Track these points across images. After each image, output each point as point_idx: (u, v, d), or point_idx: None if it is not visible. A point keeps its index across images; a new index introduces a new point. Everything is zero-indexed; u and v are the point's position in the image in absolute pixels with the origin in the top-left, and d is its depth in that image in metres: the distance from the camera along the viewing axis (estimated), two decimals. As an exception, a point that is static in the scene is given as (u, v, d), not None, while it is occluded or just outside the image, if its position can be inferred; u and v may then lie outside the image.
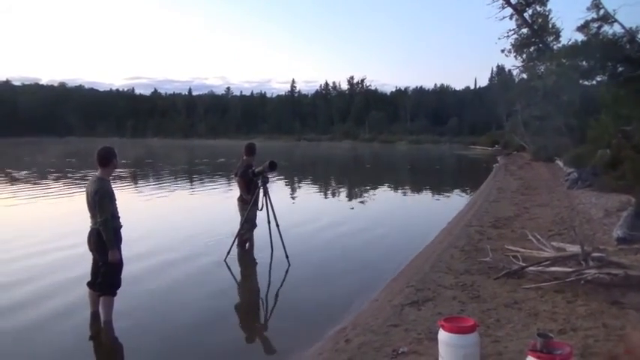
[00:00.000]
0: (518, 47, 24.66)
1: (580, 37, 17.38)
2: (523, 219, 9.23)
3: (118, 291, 4.78)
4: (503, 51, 25.35)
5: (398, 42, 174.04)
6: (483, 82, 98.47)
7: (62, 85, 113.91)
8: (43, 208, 12.89)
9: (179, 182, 20.57)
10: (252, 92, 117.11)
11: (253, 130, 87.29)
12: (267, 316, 5.55)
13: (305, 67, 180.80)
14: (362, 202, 15.61)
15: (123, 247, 4.76)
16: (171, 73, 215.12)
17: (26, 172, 23.49)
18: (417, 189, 19.26)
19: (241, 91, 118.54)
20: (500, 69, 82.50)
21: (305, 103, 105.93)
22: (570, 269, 5.18)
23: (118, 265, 4.68)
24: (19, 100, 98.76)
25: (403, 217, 12.09)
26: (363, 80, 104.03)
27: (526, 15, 23.43)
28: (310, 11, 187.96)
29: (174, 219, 11.16)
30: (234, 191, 7.90)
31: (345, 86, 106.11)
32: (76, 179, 19.68)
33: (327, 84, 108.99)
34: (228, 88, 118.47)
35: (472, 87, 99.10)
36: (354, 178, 25.24)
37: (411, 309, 4.56)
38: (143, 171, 26.02)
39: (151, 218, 11.25)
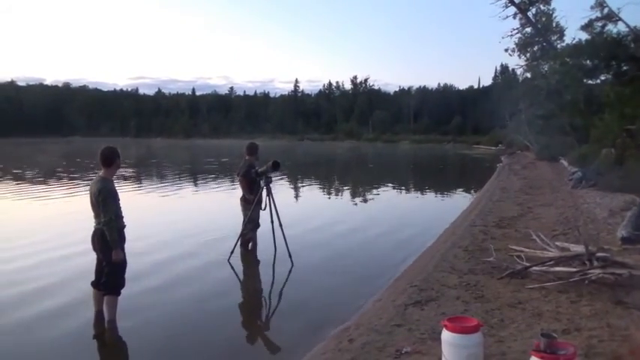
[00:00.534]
0: (522, 46, 24.56)
1: (584, 35, 17.32)
2: (527, 219, 9.20)
3: (122, 290, 4.79)
4: (506, 50, 25.28)
5: (401, 41, 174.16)
6: (487, 81, 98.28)
7: (66, 86, 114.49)
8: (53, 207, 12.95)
9: (182, 181, 20.61)
10: (255, 92, 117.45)
11: (256, 130, 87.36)
12: (270, 315, 5.56)
13: (308, 67, 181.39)
14: (365, 201, 15.62)
15: (127, 246, 4.78)
16: (175, 73, 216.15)
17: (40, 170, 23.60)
18: (421, 189, 19.24)
19: (244, 91, 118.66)
20: (504, 68, 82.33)
21: (308, 102, 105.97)
22: (574, 269, 5.17)
23: (122, 264, 4.69)
24: (23, 100, 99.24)
25: (406, 216, 12.07)
26: (366, 80, 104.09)
27: (530, 14, 23.35)
28: (313, 11, 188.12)
29: (178, 218, 11.17)
30: (238, 191, 7.90)
31: (348, 86, 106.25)
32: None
33: (330, 84, 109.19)
34: (231, 88, 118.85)
35: (476, 86, 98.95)
36: (357, 177, 25.24)
37: (415, 309, 4.55)
38: (147, 170, 26.09)
39: (154, 218, 11.27)
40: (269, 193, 7.12)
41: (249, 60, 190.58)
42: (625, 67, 14.62)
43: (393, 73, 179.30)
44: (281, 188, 16.44)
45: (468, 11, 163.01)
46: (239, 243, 7.34)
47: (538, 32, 23.42)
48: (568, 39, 22.18)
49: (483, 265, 5.87)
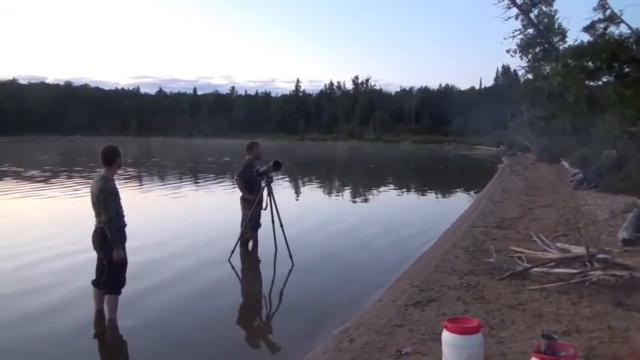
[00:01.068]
0: (524, 47, 24.50)
1: (586, 37, 17.27)
2: (528, 220, 9.19)
3: (123, 289, 4.80)
4: (508, 51, 25.18)
5: (403, 42, 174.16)
6: (488, 82, 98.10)
7: (68, 84, 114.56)
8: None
9: (183, 180, 20.62)
10: (256, 92, 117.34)
11: (258, 130, 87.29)
12: (270, 315, 5.56)
13: (310, 67, 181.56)
14: (365, 201, 15.63)
15: (128, 245, 4.78)
16: (176, 72, 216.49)
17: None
18: (422, 189, 19.22)
19: (246, 91, 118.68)
20: (506, 69, 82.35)
21: (309, 102, 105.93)
22: (575, 270, 5.17)
23: (123, 263, 4.70)
24: (25, 98, 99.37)
25: (407, 217, 12.07)
26: (367, 80, 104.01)
27: (532, 15, 23.29)
28: (315, 11, 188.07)
29: (178, 217, 11.19)
30: (238, 190, 7.90)
31: (349, 86, 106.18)
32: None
33: (331, 84, 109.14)
34: (232, 88, 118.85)
35: (477, 87, 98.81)
36: (358, 177, 25.24)
37: (415, 309, 4.55)
38: (148, 170, 26.10)
39: (154, 217, 11.28)
40: (270, 193, 7.12)
41: (251, 60, 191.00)
42: (627, 69, 14.59)
43: (394, 73, 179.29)
44: (281, 188, 16.44)
45: (470, 12, 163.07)
46: (239, 243, 7.34)
47: (540, 33, 23.37)
48: (570, 40, 22.14)
49: (484, 266, 5.87)
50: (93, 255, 4.91)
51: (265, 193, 7.14)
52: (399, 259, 7.32)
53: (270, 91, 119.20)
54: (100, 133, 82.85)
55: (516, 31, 24.13)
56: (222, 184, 18.41)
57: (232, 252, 7.12)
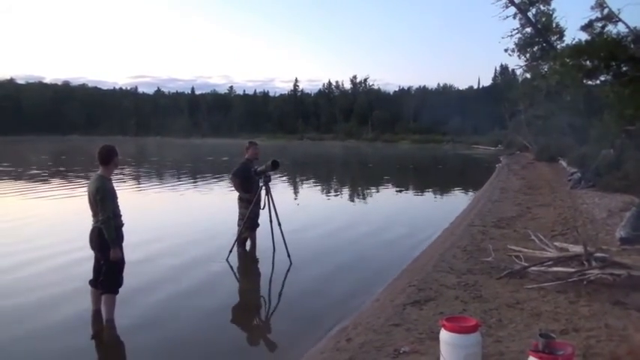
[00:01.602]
0: (522, 46, 24.52)
1: (584, 36, 17.29)
2: (526, 219, 9.21)
3: (120, 289, 4.78)
4: (506, 50, 25.19)
5: (401, 41, 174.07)
6: (487, 81, 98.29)
7: (66, 84, 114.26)
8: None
9: (182, 180, 20.60)
10: (255, 91, 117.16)
11: (256, 129, 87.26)
12: (268, 314, 5.55)
13: (308, 67, 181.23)
14: (364, 201, 15.63)
15: (125, 245, 4.77)
16: (174, 71, 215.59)
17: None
18: (420, 188, 19.24)
19: (244, 90, 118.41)
20: (504, 68, 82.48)
21: (308, 102, 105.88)
22: (573, 269, 5.17)
23: (120, 263, 4.69)
24: (22, 98, 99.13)
25: (405, 216, 12.06)
26: (366, 79, 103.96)
27: (530, 14, 23.30)
28: (313, 10, 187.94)
29: (175, 217, 11.18)
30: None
31: (348, 85, 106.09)
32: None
33: (330, 83, 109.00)
34: (231, 87, 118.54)
35: (475, 86, 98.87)
36: (356, 177, 25.24)
37: (413, 308, 4.55)
38: (147, 169, 26.06)
39: (152, 217, 11.27)
40: (268, 193, 7.12)
41: (249, 59, 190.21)
42: (625, 68, 14.61)
43: (392, 72, 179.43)
44: (280, 187, 16.44)
45: (468, 11, 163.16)
46: (236, 243, 7.33)
47: (538, 32, 23.39)
48: (568, 39, 22.15)
49: (482, 265, 5.87)
50: (87, 254, 4.89)
51: (263, 192, 7.14)
52: (398, 258, 7.33)
53: (268, 91, 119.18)
54: (98, 132, 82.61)
55: (514, 30, 24.16)
56: (221, 183, 18.39)
57: (230, 252, 7.11)
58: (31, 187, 16.81)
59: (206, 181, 20.57)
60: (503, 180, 18.03)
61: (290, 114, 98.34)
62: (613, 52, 14.10)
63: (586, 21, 16.77)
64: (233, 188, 7.80)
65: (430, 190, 18.44)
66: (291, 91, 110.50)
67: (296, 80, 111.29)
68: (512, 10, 22.97)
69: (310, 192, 17.62)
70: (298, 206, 13.49)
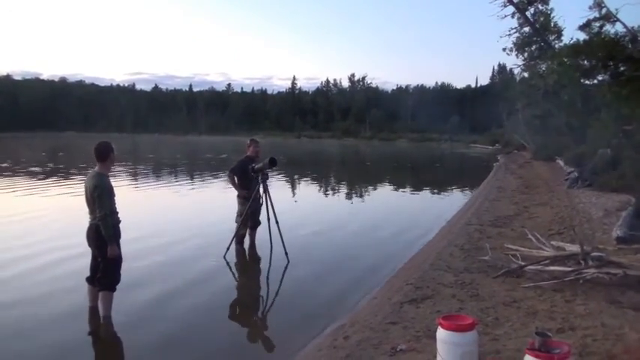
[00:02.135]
0: (520, 46, 24.56)
1: (582, 35, 17.33)
2: (523, 218, 9.23)
3: (117, 286, 4.78)
4: (504, 49, 25.25)
5: (399, 40, 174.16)
6: (485, 80, 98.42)
7: (63, 80, 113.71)
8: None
9: (180, 177, 20.56)
10: (252, 89, 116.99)
11: (254, 127, 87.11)
12: (265, 312, 5.56)
13: (306, 65, 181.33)
14: (361, 199, 15.64)
15: (123, 242, 4.76)
16: (172, 68, 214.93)
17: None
18: (418, 187, 19.25)
19: (242, 88, 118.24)
20: (502, 67, 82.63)
21: (306, 100, 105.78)
22: (569, 268, 5.19)
23: (117, 260, 4.68)
24: (19, 94, 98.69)
25: (403, 215, 12.08)
26: (364, 78, 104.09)
27: (528, 13, 23.33)
28: (312, 8, 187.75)
29: (173, 214, 11.17)
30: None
31: (346, 84, 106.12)
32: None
33: (328, 81, 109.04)
34: (229, 85, 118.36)
35: (473, 85, 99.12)
36: (354, 175, 25.24)
37: (410, 307, 4.56)
38: (144, 166, 26.00)
39: (149, 214, 11.25)
40: (265, 190, 7.12)
41: (248, 57, 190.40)
42: (622, 68, 14.64)
43: (390, 71, 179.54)
44: (276, 185, 16.43)
45: (467, 10, 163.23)
46: (234, 240, 7.32)
47: (536, 32, 23.43)
48: (566, 39, 22.20)
49: (479, 264, 5.89)
50: (82, 251, 4.89)
51: (261, 190, 7.14)
52: (395, 255, 7.35)
53: (266, 89, 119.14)
54: (95, 129, 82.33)
55: (512, 29, 24.22)
56: (219, 180, 18.36)
57: (227, 249, 7.10)
58: (32, 184, 16.76)
59: (205, 178, 20.55)
60: (500, 179, 18.07)
61: (288, 112, 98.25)
62: (611, 51, 14.13)
63: (584, 21, 16.81)
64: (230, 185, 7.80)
65: (427, 188, 18.44)
66: (289, 89, 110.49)
67: (294, 78, 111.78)
68: (511, 9, 23.02)
69: (307, 190, 17.61)
70: (296, 203, 13.47)
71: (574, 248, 5.69)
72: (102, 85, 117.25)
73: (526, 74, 27.63)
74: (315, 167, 29.46)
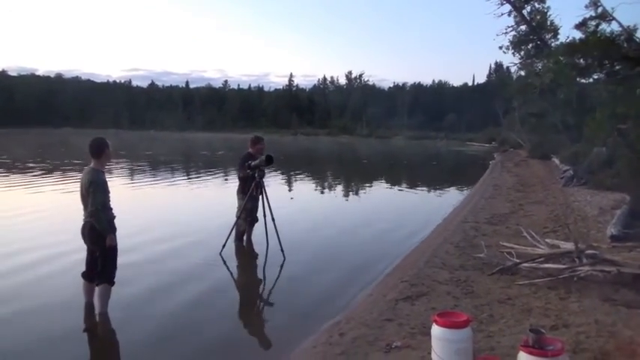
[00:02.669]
0: (517, 44, 24.62)
1: (578, 34, 17.37)
2: (518, 216, 9.27)
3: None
4: (501, 48, 25.29)
5: (396, 37, 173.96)
6: (481, 78, 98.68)
7: (59, 76, 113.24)
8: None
9: (176, 174, 20.52)
10: (249, 86, 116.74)
11: (250, 124, 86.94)
12: (261, 309, 5.57)
13: (303, 62, 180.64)
14: (357, 196, 15.65)
15: (120, 238, 4.77)
16: (169, 65, 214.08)
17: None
18: (413, 185, 19.28)
19: (239, 85, 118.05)
20: (499, 66, 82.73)
21: (302, 97, 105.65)
22: (564, 266, 5.22)
23: (114, 251, 4.69)
24: (15, 90, 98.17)
25: (399, 212, 12.11)
26: (361, 75, 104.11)
27: (525, 12, 23.38)
28: (310, 6, 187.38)
29: (170, 211, 11.14)
30: (232, 183, 7.87)
31: (342, 81, 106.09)
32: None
33: (325, 78, 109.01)
34: (225, 82, 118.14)
35: (470, 83, 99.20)
36: (350, 173, 25.26)
37: (405, 304, 4.59)
38: (142, 163, 25.92)
39: (145, 211, 11.22)
40: (262, 187, 7.12)
41: (245, 54, 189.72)
42: (618, 67, 14.69)
43: (387, 68, 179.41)
44: (272, 182, 16.41)
45: (464, 8, 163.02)
46: (232, 236, 7.31)
47: (532, 30, 23.48)
48: (562, 37, 22.28)
49: (474, 261, 5.92)
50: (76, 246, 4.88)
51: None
52: (391, 252, 7.36)
53: (263, 86, 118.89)
54: (91, 125, 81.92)
55: (509, 27, 24.27)
56: (217, 177, 18.37)
57: (223, 246, 7.09)
58: (34, 180, 16.70)
59: (202, 175, 20.51)
60: (496, 177, 18.13)
61: (284, 109, 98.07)
62: (606, 50, 14.17)
63: (580, 19, 16.82)
64: (232, 181, 7.76)
65: (423, 186, 18.49)
66: (286, 86, 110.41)
67: (291, 75, 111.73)
68: (507, 7, 23.06)
69: (303, 187, 17.61)
70: (292, 202, 13.47)
71: (568, 246, 5.72)
72: (98, 81, 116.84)
73: (522, 72, 27.69)
74: (311, 165, 29.46)
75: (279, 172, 20.59)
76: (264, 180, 7.22)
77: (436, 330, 3.08)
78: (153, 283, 5.83)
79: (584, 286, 4.82)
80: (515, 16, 23.73)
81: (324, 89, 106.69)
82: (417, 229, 9.17)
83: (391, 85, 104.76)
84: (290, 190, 16.36)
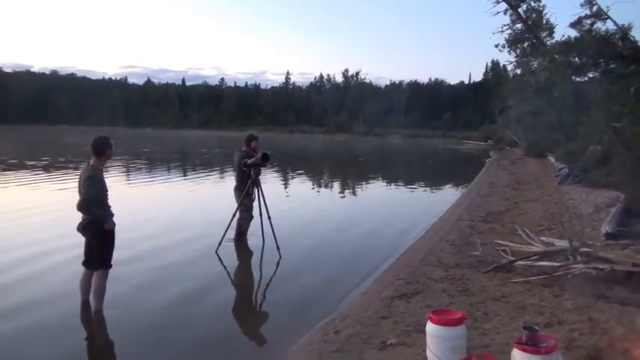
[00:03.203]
0: (512, 42, 24.66)
1: (573, 33, 17.43)
2: (513, 214, 9.30)
3: (108, 282, 4.77)
4: (497, 46, 25.32)
5: (394, 36, 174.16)
6: (478, 77, 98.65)
7: (54, 73, 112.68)
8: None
9: (173, 172, 20.47)
10: (246, 84, 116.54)
11: (247, 122, 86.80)
12: (256, 307, 5.57)
13: (300, 59, 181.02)
14: (353, 193, 15.67)
15: (119, 237, 4.81)
16: (165, 62, 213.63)
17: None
18: (410, 183, 19.32)
19: (235, 82, 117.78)
20: (495, 64, 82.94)
21: (299, 95, 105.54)
22: (558, 264, 5.25)
23: (111, 239, 4.70)
24: (9, 87, 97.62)
25: (395, 210, 12.13)
26: (357, 73, 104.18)
27: (520, 10, 23.43)
28: (307, 3, 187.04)
29: (166, 210, 11.13)
30: (230, 181, 7.85)
31: (339, 79, 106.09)
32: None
33: (322, 76, 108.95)
34: (222, 79, 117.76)
35: (466, 82, 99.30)
36: (347, 171, 25.27)
37: (401, 301, 4.60)
38: (142, 160, 25.86)
39: (142, 208, 11.19)
40: (258, 185, 7.12)
41: (242, 51, 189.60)
42: (613, 65, 14.74)
43: (384, 67, 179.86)
44: (268, 178, 16.40)
45: (460, 6, 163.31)
46: (226, 234, 7.30)
47: (528, 29, 23.54)
48: (558, 36, 22.33)
49: (469, 259, 5.94)
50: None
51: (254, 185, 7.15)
52: (385, 251, 7.38)
53: (259, 83, 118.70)
54: (86, 123, 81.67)
55: (505, 25, 24.31)
56: (215, 175, 18.33)
57: (219, 244, 7.09)
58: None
59: (200, 173, 20.48)
60: (492, 175, 18.18)
61: (281, 107, 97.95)
62: (601, 49, 14.22)
63: (575, 18, 16.87)
64: (230, 179, 7.75)
65: (420, 183, 18.52)
66: (283, 84, 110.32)
67: (288, 73, 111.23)
68: (503, 5, 23.11)
69: (299, 185, 17.60)
70: (288, 200, 13.47)
71: (563, 244, 5.74)
72: (94, 78, 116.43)
73: (518, 71, 27.77)
74: (307, 164, 29.45)
75: (274, 169, 20.59)
76: (260, 178, 7.22)
77: (431, 327, 3.10)
78: (145, 280, 5.83)
79: (578, 283, 4.83)
80: (511, 15, 23.79)
81: (321, 87, 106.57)
82: (412, 227, 9.20)
83: (388, 84, 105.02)
84: (286, 189, 16.36)
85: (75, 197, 4.71)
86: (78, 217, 4.69)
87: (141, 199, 12.89)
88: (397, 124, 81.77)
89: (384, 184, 18.92)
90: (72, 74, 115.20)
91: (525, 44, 24.42)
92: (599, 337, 3.56)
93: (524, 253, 5.77)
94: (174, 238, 7.98)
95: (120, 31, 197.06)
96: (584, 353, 3.27)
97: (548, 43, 22.41)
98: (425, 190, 16.84)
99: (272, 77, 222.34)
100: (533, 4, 23.31)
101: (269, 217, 7.08)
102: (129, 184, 15.88)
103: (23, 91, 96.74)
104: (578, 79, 18.42)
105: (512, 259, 5.57)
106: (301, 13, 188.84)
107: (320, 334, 4.20)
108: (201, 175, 19.51)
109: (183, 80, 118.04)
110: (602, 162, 12.97)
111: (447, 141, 60.68)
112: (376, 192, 16.28)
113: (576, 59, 15.70)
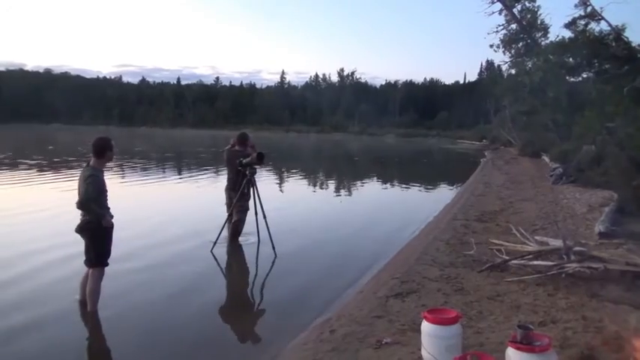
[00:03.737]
0: (507, 42, 24.79)
1: (568, 33, 17.53)
2: (508, 213, 9.34)
3: (103, 282, 4.76)
4: (492, 46, 25.47)
5: (389, 35, 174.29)
6: (473, 76, 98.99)
7: (48, 72, 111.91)
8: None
9: (167, 171, 20.41)
10: (241, 83, 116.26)
11: (242, 121, 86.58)
12: (252, 307, 5.56)
13: (296, 59, 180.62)
14: (349, 194, 15.67)
15: (116, 238, 4.79)
16: (160, 61, 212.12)
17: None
18: (405, 182, 19.35)
19: (231, 82, 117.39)
20: (490, 64, 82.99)
21: (295, 94, 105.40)
22: (552, 263, 5.28)
23: (109, 235, 4.69)
24: (3, 85, 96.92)
25: (390, 209, 12.14)
26: (353, 72, 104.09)
27: (515, 10, 23.56)
28: (302, 3, 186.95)
29: (162, 209, 11.10)
30: (223, 180, 7.84)
31: (335, 78, 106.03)
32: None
33: (317, 75, 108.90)
34: (217, 78, 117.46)
35: (461, 81, 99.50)
36: (343, 170, 25.28)
37: (396, 300, 4.61)
38: (136, 160, 25.76)
39: (138, 207, 11.15)
40: (253, 185, 7.12)
41: (237, 50, 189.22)
42: (606, 66, 14.85)
43: (380, 66, 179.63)
44: (264, 177, 16.39)
45: (456, 6, 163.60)
46: (222, 233, 7.29)
47: (523, 29, 23.66)
48: (552, 36, 22.46)
49: (464, 259, 5.96)
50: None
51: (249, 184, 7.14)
52: (381, 250, 7.39)
53: (255, 83, 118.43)
54: (81, 122, 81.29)
55: (500, 26, 24.45)
56: (211, 174, 18.26)
57: (214, 244, 7.08)
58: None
59: (197, 172, 20.42)
60: (487, 174, 18.24)
61: (276, 106, 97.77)
62: (595, 49, 14.32)
63: (570, 18, 16.97)
64: (223, 178, 7.72)
65: (414, 182, 18.55)
66: (278, 83, 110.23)
67: (283, 72, 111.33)
68: (498, 5, 23.23)
69: (295, 184, 17.58)
70: (284, 199, 13.46)
71: (557, 243, 5.77)
72: (88, 77, 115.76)
73: (513, 71, 27.87)
74: (304, 162, 29.44)
75: (269, 169, 20.57)
76: (254, 177, 7.22)
77: (426, 326, 3.11)
78: (140, 280, 5.81)
79: (572, 282, 4.87)
80: (505, 15, 23.92)
81: (317, 87, 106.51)
82: (406, 226, 9.22)
83: (383, 83, 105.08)
84: (281, 188, 16.35)
85: (75, 197, 4.70)
86: (77, 216, 4.68)
87: (135, 198, 12.84)
88: (392, 124, 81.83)
89: (379, 183, 18.94)
90: (66, 73, 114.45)
91: (520, 44, 24.55)
92: (592, 335, 3.58)
93: (518, 253, 5.80)
94: (168, 237, 7.96)
95: (115, 29, 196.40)
96: (577, 352, 3.29)
97: (542, 43, 22.54)
98: (420, 190, 16.87)
99: (267, 76, 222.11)
100: (527, 4, 23.47)
101: (264, 216, 7.07)
102: (122, 183, 15.81)
103: (16, 90, 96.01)
104: (572, 79, 18.55)
105: (507, 258, 5.60)
106: (297, 13, 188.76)
107: (315, 333, 4.20)
108: (193, 173, 19.46)
109: (179, 79, 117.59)
110: (596, 162, 13.04)
111: (442, 140, 60.78)
112: (370, 191, 16.30)
113: (570, 59, 15.81)
